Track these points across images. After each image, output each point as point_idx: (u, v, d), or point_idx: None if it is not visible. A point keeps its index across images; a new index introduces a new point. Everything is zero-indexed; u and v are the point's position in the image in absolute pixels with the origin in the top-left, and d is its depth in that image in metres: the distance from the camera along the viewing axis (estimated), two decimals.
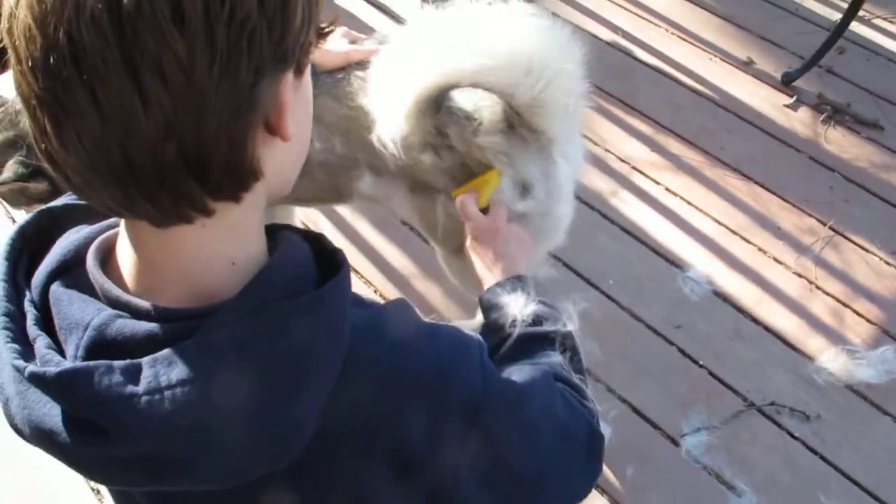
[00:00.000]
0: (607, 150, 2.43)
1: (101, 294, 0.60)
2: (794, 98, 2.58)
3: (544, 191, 1.30)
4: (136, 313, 0.58)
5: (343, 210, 2.23)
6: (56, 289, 0.61)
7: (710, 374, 1.91)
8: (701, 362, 1.93)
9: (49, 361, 0.57)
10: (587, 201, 2.27)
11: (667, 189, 2.32)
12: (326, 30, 0.62)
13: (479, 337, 0.73)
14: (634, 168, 2.38)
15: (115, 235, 0.65)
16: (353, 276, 2.14)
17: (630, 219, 2.24)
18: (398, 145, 1.19)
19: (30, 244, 0.67)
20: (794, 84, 2.62)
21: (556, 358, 0.90)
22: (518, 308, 0.95)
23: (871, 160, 2.42)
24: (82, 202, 0.68)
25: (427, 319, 0.71)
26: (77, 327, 0.58)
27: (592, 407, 0.89)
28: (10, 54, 0.53)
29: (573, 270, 2.10)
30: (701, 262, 2.13)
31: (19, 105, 0.56)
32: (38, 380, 0.56)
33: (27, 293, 0.63)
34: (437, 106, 1.20)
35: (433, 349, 0.68)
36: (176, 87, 0.51)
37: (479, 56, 1.09)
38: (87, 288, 0.61)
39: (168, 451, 0.56)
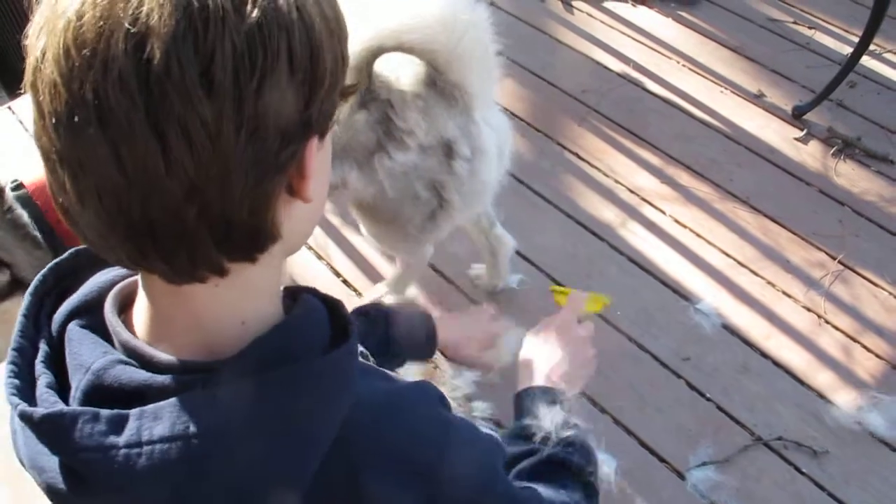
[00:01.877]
0: (617, 181, 2.44)
1: (115, 338, 0.61)
2: (805, 131, 2.59)
3: (468, 148, 1.42)
4: (142, 361, 0.58)
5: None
6: (72, 328, 0.62)
7: (718, 407, 1.91)
8: (708, 395, 1.93)
9: (44, 401, 0.57)
10: (596, 231, 2.28)
11: (676, 221, 2.33)
12: (349, 90, 0.62)
13: (498, 437, 0.72)
14: (644, 199, 2.39)
15: (137, 282, 0.65)
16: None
17: (639, 250, 2.25)
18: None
19: (61, 282, 0.67)
20: (804, 117, 2.63)
21: (576, 496, 0.86)
22: (554, 425, 0.91)
23: (881, 194, 2.42)
24: None
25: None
26: (81, 369, 0.58)
27: None
28: (33, 108, 0.53)
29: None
30: (709, 295, 2.13)
31: None
32: (25, 419, 0.56)
33: (45, 329, 0.64)
34: (369, 70, 1.35)
35: (462, 451, 0.66)
36: (201, 151, 0.50)
37: (400, 17, 1.30)
38: (101, 331, 0.62)
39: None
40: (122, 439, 0.53)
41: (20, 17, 3.39)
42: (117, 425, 0.54)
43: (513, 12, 3.08)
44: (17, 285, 1.22)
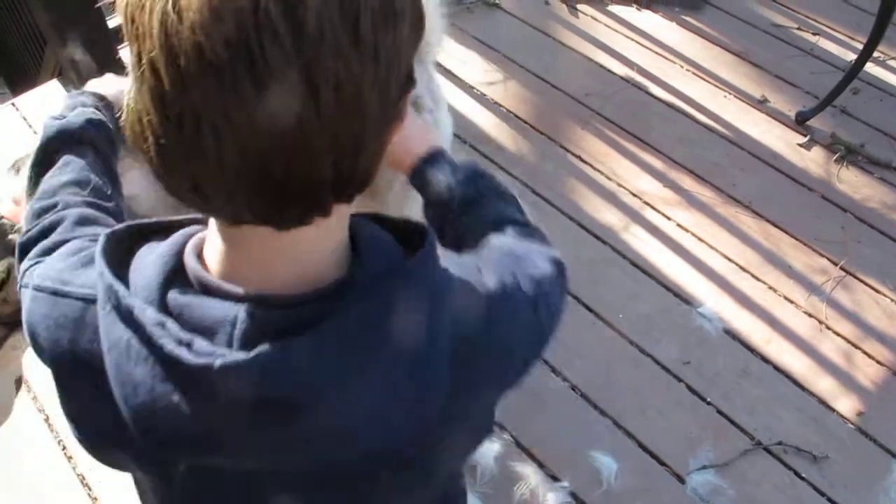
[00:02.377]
0: (620, 185, 2.45)
1: (224, 295, 0.62)
2: (808, 137, 2.60)
3: (431, 100, 1.41)
4: (265, 304, 0.60)
5: None
6: (177, 296, 0.62)
7: (718, 411, 1.91)
8: (709, 399, 1.93)
9: (221, 354, 0.58)
10: (599, 235, 2.29)
11: (678, 225, 2.34)
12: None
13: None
14: (647, 203, 2.40)
15: (199, 244, 0.66)
16: None
17: (641, 254, 2.26)
18: None
19: (115, 254, 0.68)
20: (807, 123, 2.64)
21: (502, 207, 0.92)
22: (447, 176, 0.96)
23: (883, 201, 2.43)
24: (162, 221, 0.71)
25: None
26: (222, 324, 0.60)
27: (544, 234, 0.92)
28: (163, 64, 0.51)
29: (583, 304, 2.11)
30: (711, 299, 2.14)
31: None
32: (231, 369, 0.57)
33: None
34: None
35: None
36: (348, 104, 0.53)
37: None
38: (195, 293, 0.63)
39: (342, 422, 0.61)
40: (315, 361, 0.58)
41: (21, 13, 3.40)
42: (309, 351, 0.58)
43: (517, 14, 3.08)
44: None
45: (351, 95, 0.53)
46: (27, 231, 0.88)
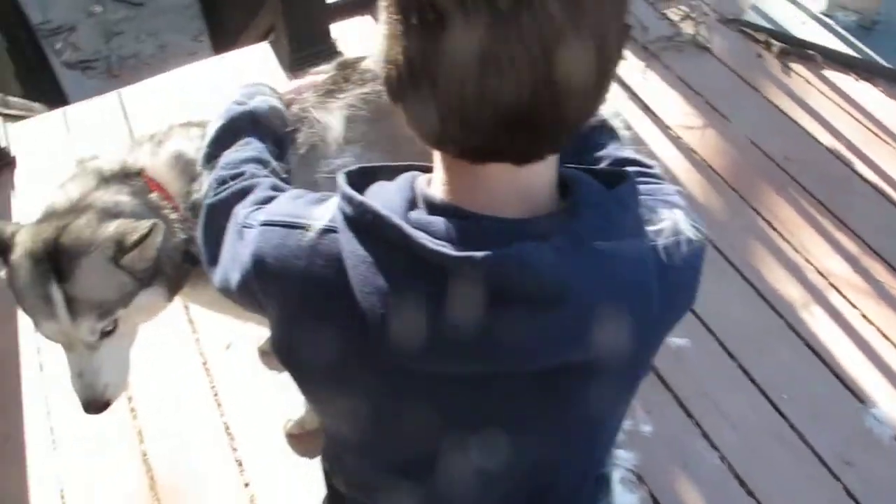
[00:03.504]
0: (807, 260, 2.34)
1: (463, 215, 0.69)
2: None
3: None
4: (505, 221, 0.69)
5: None
6: (420, 216, 0.70)
7: None
8: None
9: (477, 251, 0.66)
10: (775, 307, 2.20)
11: (863, 315, 2.21)
12: None
13: None
14: (832, 285, 2.28)
15: (427, 181, 0.75)
16: None
17: (818, 336, 2.15)
18: None
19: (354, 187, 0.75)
20: None
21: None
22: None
23: None
24: (385, 165, 0.79)
25: None
26: (468, 237, 0.67)
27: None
28: (454, 9, 0.59)
29: (747, 374, 2.04)
30: (887, 402, 2.01)
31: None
32: (490, 260, 0.65)
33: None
34: None
35: None
36: (608, 55, 0.62)
37: None
38: (436, 214, 0.71)
39: (582, 317, 0.68)
40: (580, 255, 0.68)
41: None
42: (567, 248, 0.67)
43: (727, 61, 3.00)
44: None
45: (606, 44, 0.61)
46: (216, 194, 0.95)
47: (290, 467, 1.90)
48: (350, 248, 0.71)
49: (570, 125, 0.66)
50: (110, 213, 1.34)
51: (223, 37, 4.24)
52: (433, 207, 0.70)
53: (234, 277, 0.84)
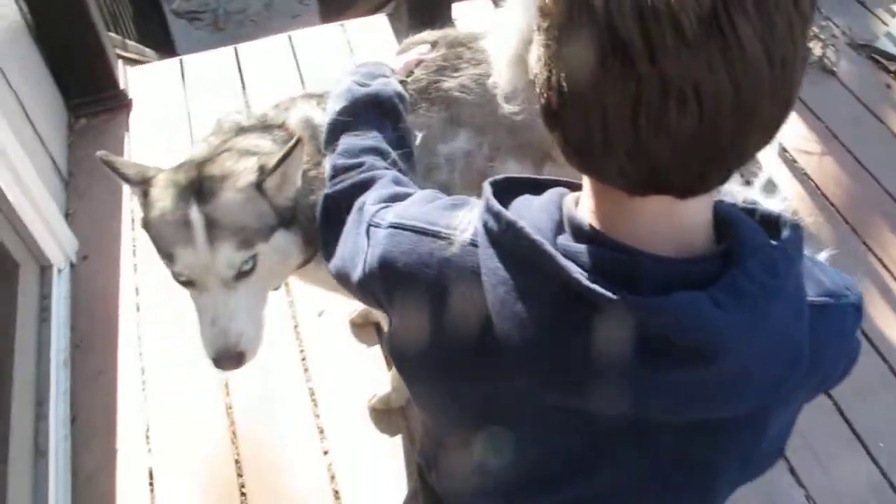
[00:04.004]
0: None
1: (615, 247, 0.65)
2: None
3: None
4: (659, 260, 0.64)
5: None
6: (568, 242, 0.66)
7: None
8: None
9: (632, 295, 0.62)
10: (882, 352, 2.11)
11: None
12: None
13: None
14: None
15: (574, 201, 0.70)
16: None
17: None
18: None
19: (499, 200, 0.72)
20: None
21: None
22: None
23: None
24: (532, 178, 0.76)
25: None
26: (618, 271, 0.63)
27: None
28: (633, 29, 0.54)
29: (846, 419, 1.96)
30: None
31: None
32: (643, 307, 0.61)
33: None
34: None
35: None
36: (791, 74, 0.57)
37: None
38: (585, 241, 0.67)
39: (741, 371, 0.64)
40: (729, 313, 0.62)
41: None
42: (719, 302, 0.62)
43: (853, 89, 2.88)
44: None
45: (793, 70, 0.57)
46: (335, 184, 0.95)
47: (371, 441, 1.92)
48: (490, 265, 0.68)
49: (749, 157, 0.61)
50: (251, 154, 1.32)
51: (332, 2, 4.26)
52: (581, 234, 0.66)
53: (356, 273, 0.84)
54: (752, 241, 0.65)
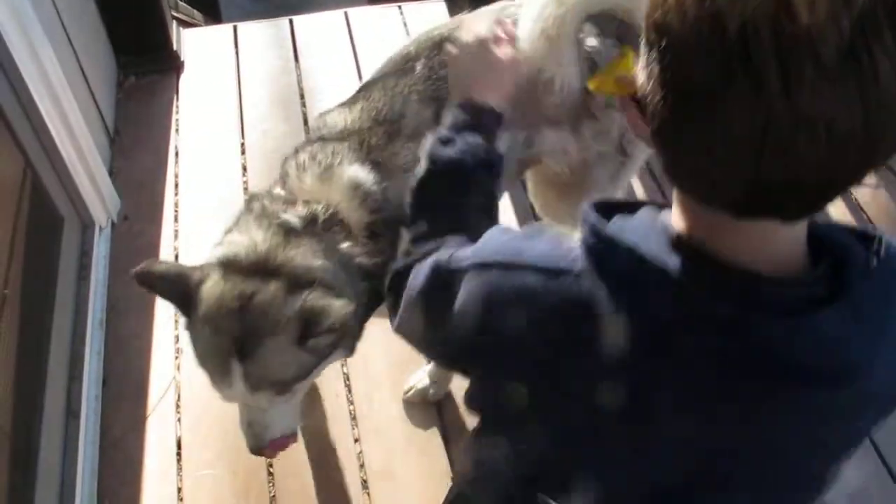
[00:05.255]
0: None
1: (722, 267, 0.65)
2: None
3: None
4: (771, 280, 0.64)
5: None
6: (679, 262, 0.66)
7: None
8: None
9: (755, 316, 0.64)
10: None
11: None
12: None
13: None
14: None
15: (669, 220, 0.69)
16: None
17: None
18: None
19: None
20: None
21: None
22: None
23: None
24: (623, 200, 0.77)
25: None
26: (732, 291, 0.64)
27: None
28: (770, 60, 0.52)
29: (886, 465, 1.92)
30: None
31: None
32: (766, 328, 0.62)
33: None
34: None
35: None
36: None
37: None
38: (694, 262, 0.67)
39: (870, 390, 0.67)
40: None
41: None
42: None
43: None
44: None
45: None
46: (405, 261, 0.90)
47: (403, 434, 1.89)
48: (600, 295, 0.67)
49: (858, 183, 0.60)
50: (301, 283, 1.22)
51: None
52: (695, 256, 0.65)
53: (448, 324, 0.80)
54: (857, 260, 0.66)
